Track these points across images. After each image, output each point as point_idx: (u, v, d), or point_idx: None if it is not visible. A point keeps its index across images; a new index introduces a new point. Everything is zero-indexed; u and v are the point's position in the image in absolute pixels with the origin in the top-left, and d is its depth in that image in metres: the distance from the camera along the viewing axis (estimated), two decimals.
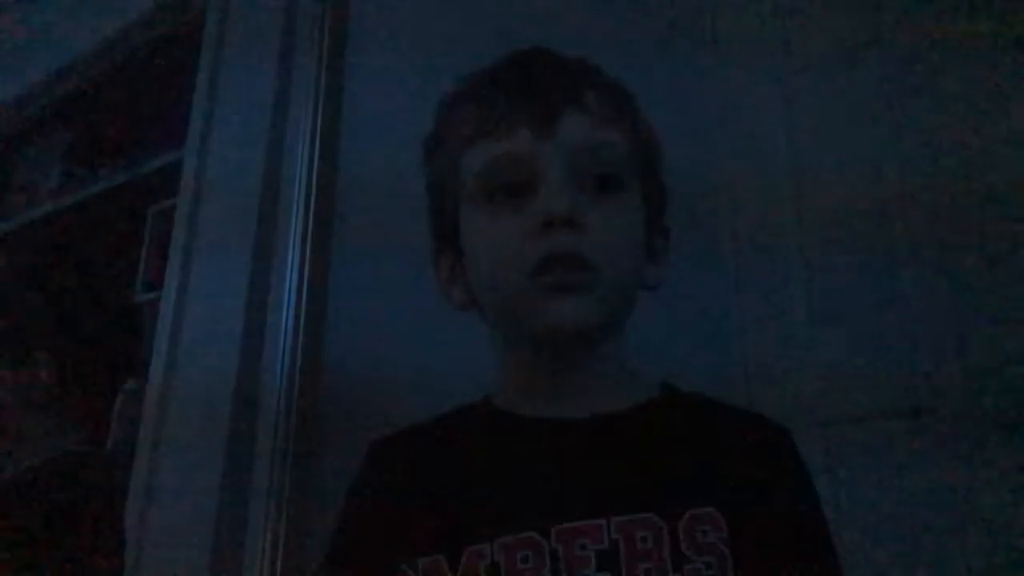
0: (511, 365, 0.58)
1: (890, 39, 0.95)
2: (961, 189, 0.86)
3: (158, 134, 2.08)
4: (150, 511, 1.38)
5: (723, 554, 0.48)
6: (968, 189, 0.86)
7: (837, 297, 0.91)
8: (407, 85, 1.32)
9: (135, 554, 1.36)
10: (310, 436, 1.29)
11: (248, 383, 1.36)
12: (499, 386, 0.59)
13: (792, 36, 1.02)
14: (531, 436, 0.55)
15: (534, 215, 0.52)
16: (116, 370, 1.98)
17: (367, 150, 1.42)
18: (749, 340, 0.95)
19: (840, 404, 0.88)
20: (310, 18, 1.58)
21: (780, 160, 0.99)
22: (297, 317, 1.34)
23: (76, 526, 0.95)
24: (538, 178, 0.54)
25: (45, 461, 0.99)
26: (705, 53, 1.08)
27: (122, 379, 1.99)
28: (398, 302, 1.24)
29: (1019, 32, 0.87)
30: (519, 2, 1.28)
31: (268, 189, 1.50)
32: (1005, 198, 0.84)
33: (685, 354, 0.95)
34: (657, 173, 0.61)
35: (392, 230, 1.17)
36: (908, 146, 0.91)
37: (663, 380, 0.60)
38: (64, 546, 0.92)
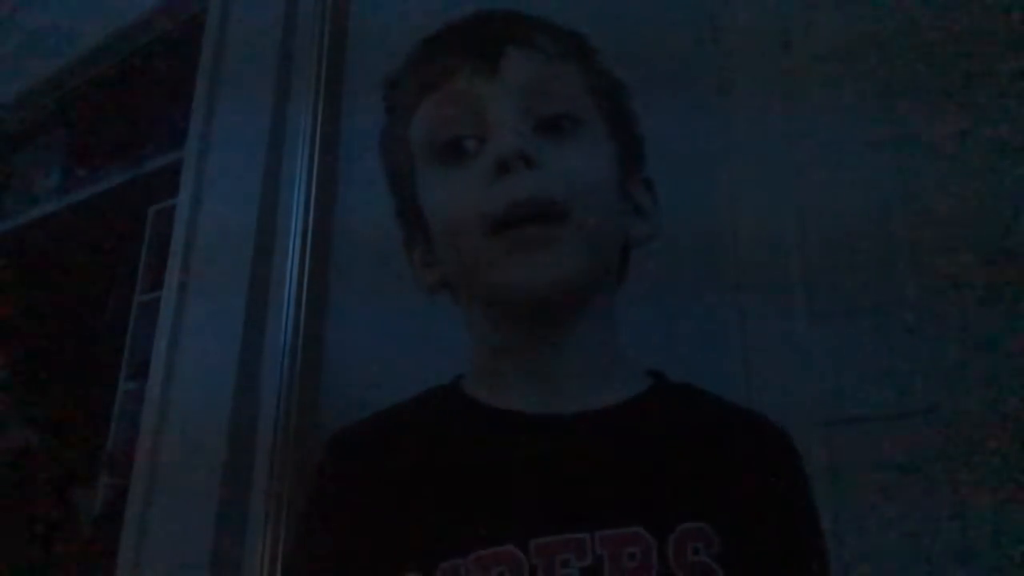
0: (485, 348, 0.52)
1: (890, 39, 0.95)
2: (961, 189, 0.86)
3: (158, 134, 2.08)
4: (150, 511, 1.38)
5: (715, 572, 0.44)
6: (968, 189, 0.86)
7: (837, 297, 0.91)
8: None
9: (135, 554, 1.36)
10: (310, 436, 1.29)
11: (248, 383, 1.36)
12: (472, 369, 0.53)
13: (792, 36, 1.02)
14: (508, 433, 0.49)
15: (487, 160, 0.47)
16: (116, 370, 1.98)
17: (368, 149, 1.42)
18: (749, 340, 0.95)
19: (840, 404, 0.88)
20: (310, 17, 1.58)
21: (780, 159, 0.99)
22: (297, 316, 1.34)
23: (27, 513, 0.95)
24: (488, 124, 0.48)
25: (19, 453, 0.99)
26: (705, 53, 1.08)
27: (122, 379, 1.99)
28: (399, 300, 1.23)
29: (1018, 32, 0.87)
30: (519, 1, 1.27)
31: (268, 188, 1.50)
32: (1005, 197, 0.84)
33: (685, 354, 0.95)
34: (624, 115, 0.56)
35: (393, 227, 1.17)
36: (908, 145, 0.91)
37: (650, 368, 0.54)
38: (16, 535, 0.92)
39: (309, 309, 1.35)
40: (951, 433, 0.80)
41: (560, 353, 0.50)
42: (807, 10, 1.02)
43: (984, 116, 0.87)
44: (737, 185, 1.02)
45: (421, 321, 1.16)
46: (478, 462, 0.48)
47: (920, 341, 0.85)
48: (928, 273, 0.86)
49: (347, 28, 1.57)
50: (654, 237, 0.55)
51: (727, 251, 0.99)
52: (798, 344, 0.92)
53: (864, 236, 0.91)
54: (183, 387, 1.46)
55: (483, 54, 0.50)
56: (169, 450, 1.42)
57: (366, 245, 1.35)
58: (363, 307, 1.33)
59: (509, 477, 0.47)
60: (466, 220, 0.48)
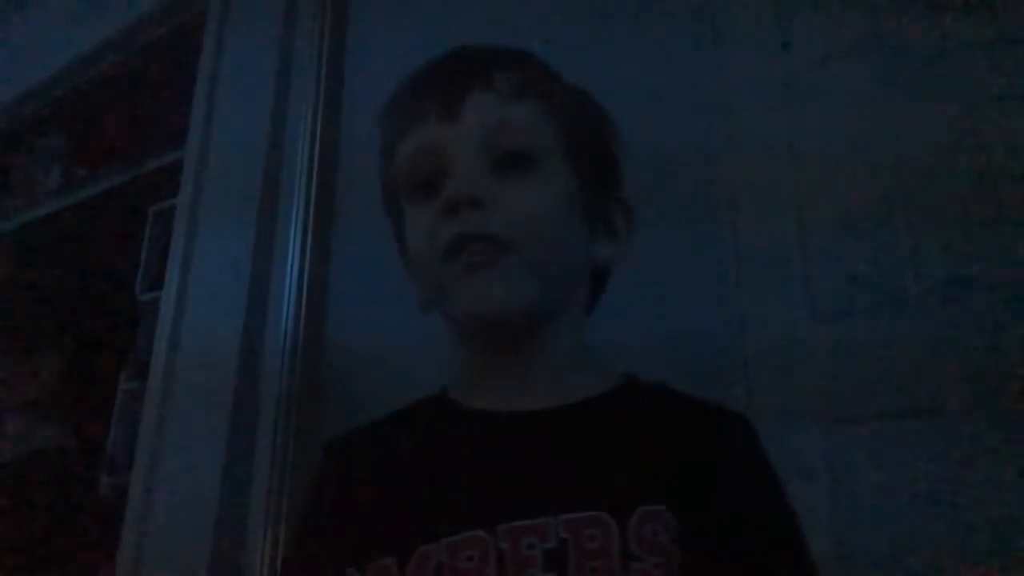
0: (462, 356, 0.58)
1: (890, 38, 0.95)
2: (961, 189, 0.86)
3: (158, 134, 2.08)
4: (150, 511, 1.38)
5: (672, 553, 0.46)
6: (968, 189, 0.86)
7: (837, 297, 0.91)
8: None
9: (135, 554, 1.36)
10: (310, 436, 1.29)
11: (248, 383, 1.36)
12: (454, 377, 0.59)
13: (792, 36, 1.02)
14: (480, 430, 0.54)
15: (443, 201, 0.53)
16: (116, 370, 1.98)
17: (367, 152, 1.42)
18: (749, 340, 0.95)
19: (840, 404, 0.88)
20: (310, 18, 1.58)
21: (780, 159, 0.99)
22: (297, 317, 1.34)
23: (55, 520, 0.95)
24: (450, 166, 0.53)
25: (24, 455, 0.99)
26: (705, 53, 1.08)
27: (122, 379, 1.99)
28: (399, 300, 1.24)
29: (1019, 31, 0.87)
30: (516, 15, 1.27)
31: (268, 189, 1.50)
32: (1006, 197, 0.84)
33: (685, 354, 0.95)
34: (590, 142, 0.59)
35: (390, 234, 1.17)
36: (908, 146, 0.91)
37: (625, 370, 0.58)
38: (43, 540, 0.92)
39: (309, 309, 1.35)
40: (951, 433, 0.80)
41: (528, 361, 0.55)
42: (806, 12, 1.02)
43: (985, 116, 0.87)
44: (737, 185, 1.02)
45: (421, 322, 1.16)
46: (450, 456, 0.53)
47: (920, 341, 0.85)
48: (928, 273, 0.86)
49: (347, 28, 1.57)
50: (624, 259, 0.60)
51: (727, 251, 1.00)
52: (798, 344, 0.92)
53: (865, 235, 0.91)
54: (183, 386, 1.46)
55: (446, 100, 0.55)
56: (169, 449, 1.42)
57: (366, 245, 1.35)
58: (363, 307, 1.33)
59: (479, 469, 0.51)
60: (424, 250, 0.54)
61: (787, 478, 0.54)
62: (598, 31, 1.17)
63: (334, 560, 0.52)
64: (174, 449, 1.41)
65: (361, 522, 0.52)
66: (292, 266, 1.38)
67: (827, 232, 0.94)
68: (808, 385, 0.90)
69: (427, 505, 0.51)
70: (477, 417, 0.55)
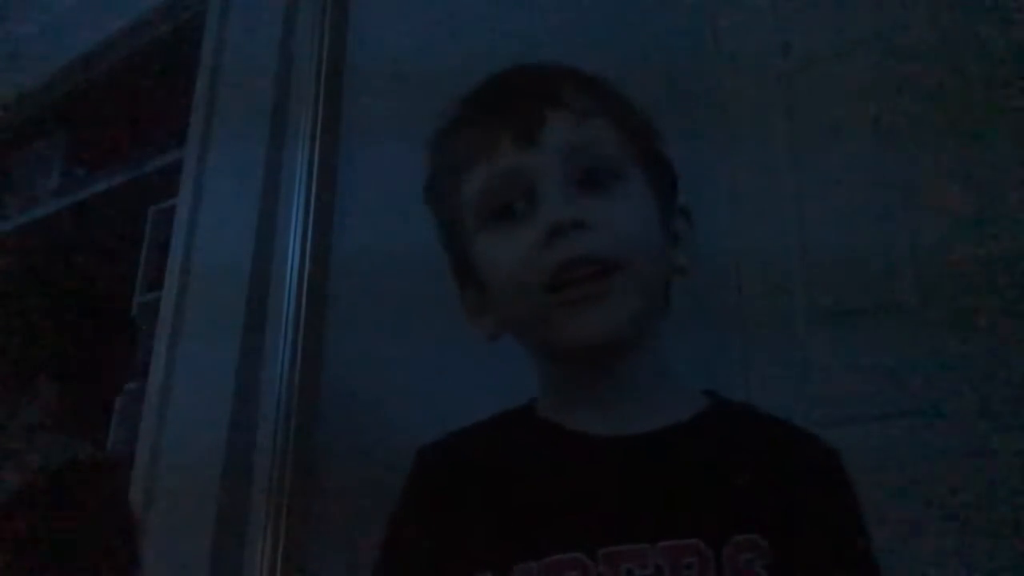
0: (551, 377, 0.57)
1: (890, 37, 0.95)
2: (961, 188, 0.86)
3: (158, 134, 2.08)
4: (150, 511, 1.38)
5: None
6: (968, 188, 0.86)
7: (837, 296, 0.91)
8: (409, 86, 1.32)
9: None
10: (311, 436, 1.29)
11: (248, 383, 1.36)
12: (542, 394, 0.58)
13: (792, 36, 1.02)
14: (580, 452, 0.53)
15: (539, 225, 0.51)
16: (116, 371, 1.98)
17: (368, 154, 1.42)
18: (749, 340, 0.95)
19: (840, 404, 0.88)
20: (310, 17, 1.58)
21: (780, 159, 0.99)
22: (297, 316, 1.34)
23: (83, 533, 0.95)
24: (536, 189, 0.52)
25: (52, 469, 0.99)
26: (705, 55, 1.08)
27: (122, 379, 1.99)
28: (399, 300, 1.24)
29: (1018, 31, 0.87)
30: (518, 1, 1.28)
31: (268, 188, 1.50)
32: (1005, 197, 0.84)
33: (685, 354, 0.95)
34: (657, 154, 0.59)
35: (392, 227, 1.16)
36: (908, 146, 0.91)
37: (704, 388, 0.58)
38: (71, 554, 0.92)
39: (309, 308, 1.35)
40: (951, 433, 0.80)
41: (618, 382, 0.54)
42: (806, 12, 1.02)
43: (985, 115, 0.87)
44: (737, 185, 1.02)
45: (421, 322, 1.16)
46: (550, 477, 0.53)
47: (920, 341, 0.85)
48: (928, 273, 0.86)
49: (347, 27, 1.57)
50: (693, 265, 0.59)
51: (728, 251, 1.00)
52: (798, 344, 0.92)
53: (864, 236, 0.91)
54: (183, 387, 1.46)
55: (522, 123, 0.53)
56: (169, 449, 1.42)
57: (366, 245, 1.35)
58: (363, 306, 1.33)
59: (578, 491, 0.51)
60: (524, 280, 0.52)
61: None
62: (598, 31, 1.17)
63: (427, 573, 0.52)
64: (174, 448, 1.41)
65: (457, 535, 0.52)
66: (292, 265, 1.38)
67: (828, 232, 0.94)
68: (808, 385, 0.90)
69: (526, 523, 0.51)
70: (573, 438, 0.54)
